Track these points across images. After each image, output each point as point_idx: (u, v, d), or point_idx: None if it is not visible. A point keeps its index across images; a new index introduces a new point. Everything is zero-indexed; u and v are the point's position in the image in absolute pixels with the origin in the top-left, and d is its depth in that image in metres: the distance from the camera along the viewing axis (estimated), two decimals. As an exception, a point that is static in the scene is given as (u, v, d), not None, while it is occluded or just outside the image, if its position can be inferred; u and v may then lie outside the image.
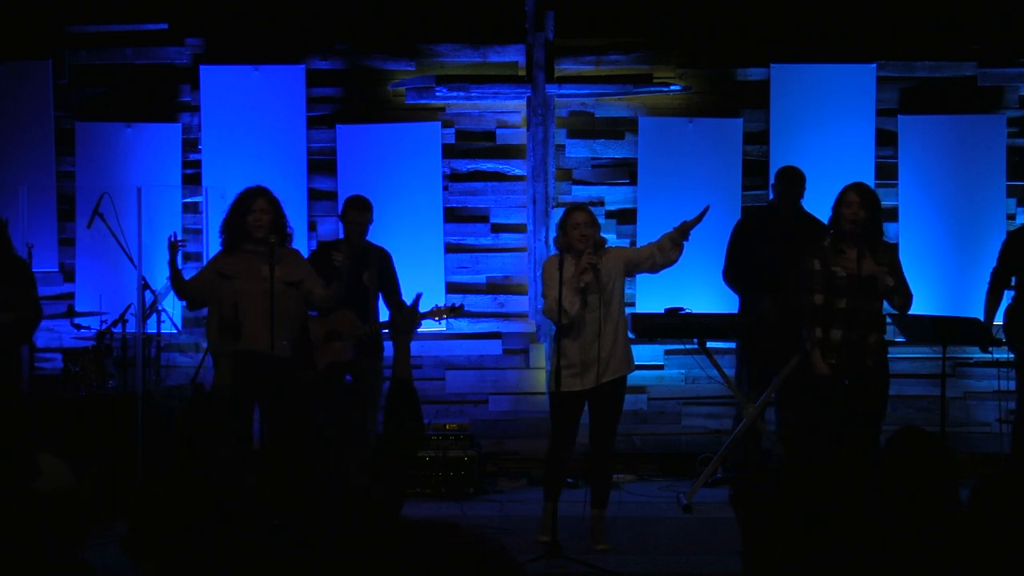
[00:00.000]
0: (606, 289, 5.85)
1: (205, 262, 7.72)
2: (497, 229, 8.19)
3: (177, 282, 6.23)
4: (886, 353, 6.08)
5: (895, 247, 6.03)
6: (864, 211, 5.91)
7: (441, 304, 6.90)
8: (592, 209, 6.18)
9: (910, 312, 7.62)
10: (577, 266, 5.79)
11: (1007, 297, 7.03)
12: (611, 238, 8.01)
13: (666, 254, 6.00)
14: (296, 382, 6.12)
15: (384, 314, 7.20)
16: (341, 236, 7.29)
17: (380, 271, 7.02)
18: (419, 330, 7.51)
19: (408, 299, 6.95)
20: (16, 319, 6.27)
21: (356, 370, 6.93)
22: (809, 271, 6.04)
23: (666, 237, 6.03)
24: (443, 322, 6.97)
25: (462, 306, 6.99)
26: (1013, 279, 7.01)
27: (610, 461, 6.02)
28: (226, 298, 5.98)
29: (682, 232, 5.98)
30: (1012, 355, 7.00)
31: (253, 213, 6.03)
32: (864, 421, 6.00)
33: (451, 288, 8.02)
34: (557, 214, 7.95)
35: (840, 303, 5.95)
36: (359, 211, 6.96)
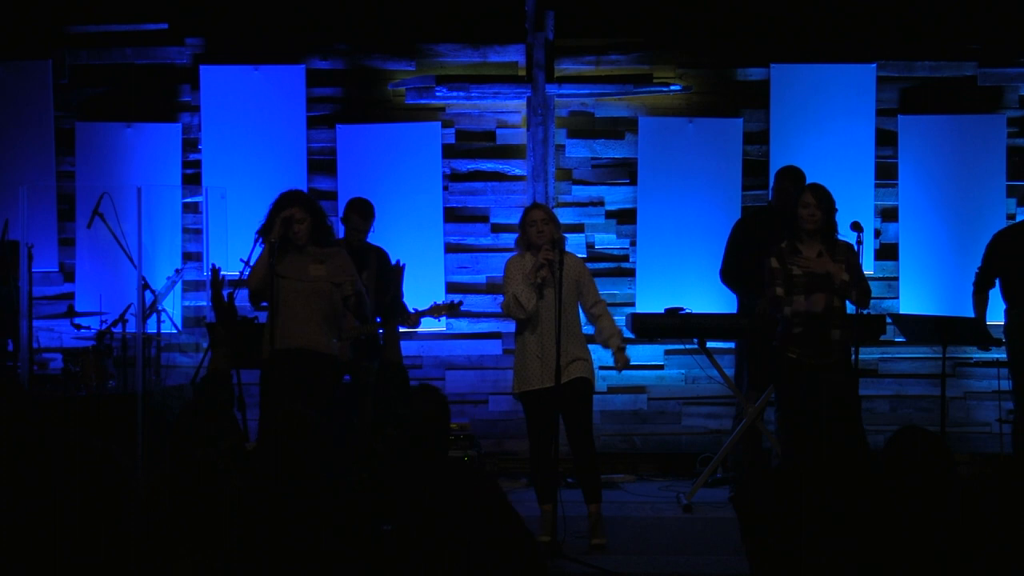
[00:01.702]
0: (563, 288, 5.86)
1: (207, 262, 7.74)
2: (497, 229, 8.19)
3: (224, 311, 6.08)
4: (849, 351, 6.11)
5: (851, 246, 6.06)
6: (820, 212, 6.02)
7: (440, 301, 6.89)
8: (550, 208, 6.27)
9: (910, 312, 7.66)
10: (534, 263, 5.88)
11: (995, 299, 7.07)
12: (611, 238, 8.03)
13: (596, 324, 6.09)
14: (337, 381, 6.08)
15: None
16: (339, 236, 7.29)
17: (379, 271, 7.03)
18: (419, 330, 7.52)
19: (409, 301, 6.98)
20: None
21: (355, 370, 6.93)
22: (769, 269, 6.13)
23: (613, 334, 6.08)
24: (442, 320, 6.97)
25: (460, 303, 6.99)
26: (997, 280, 7.03)
27: (591, 458, 5.95)
28: (273, 295, 5.90)
29: (618, 357, 6.06)
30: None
31: (290, 224, 5.85)
32: (837, 413, 6.02)
33: (451, 288, 8.03)
34: (557, 214, 7.97)
35: (801, 300, 6.02)
36: (363, 218, 6.97)
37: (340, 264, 6.00)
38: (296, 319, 5.80)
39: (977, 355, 7.89)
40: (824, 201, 6.04)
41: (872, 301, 7.85)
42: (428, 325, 7.35)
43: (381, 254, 7.09)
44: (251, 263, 6.02)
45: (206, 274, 7.55)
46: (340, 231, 7.26)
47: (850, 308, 6.16)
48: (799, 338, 6.03)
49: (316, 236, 5.94)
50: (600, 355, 6.95)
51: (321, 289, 5.84)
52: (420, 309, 6.88)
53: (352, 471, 5.50)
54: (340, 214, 7.14)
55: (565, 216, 7.88)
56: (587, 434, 5.95)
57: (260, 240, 6.02)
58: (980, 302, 7.07)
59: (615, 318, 7.80)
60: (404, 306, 7.02)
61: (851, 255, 6.09)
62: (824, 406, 5.73)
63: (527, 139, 8.05)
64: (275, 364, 5.82)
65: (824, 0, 8.10)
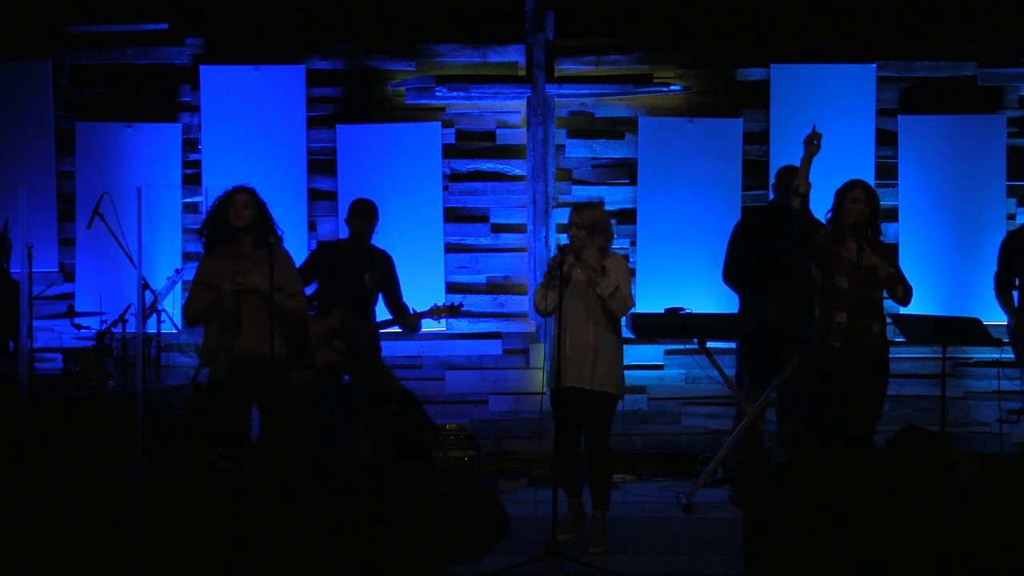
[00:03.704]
0: (582, 293, 5.84)
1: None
2: (497, 229, 8.19)
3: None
4: (888, 348, 6.08)
5: (893, 247, 6.04)
6: (869, 208, 5.95)
7: (440, 303, 6.92)
8: (591, 213, 6.06)
9: (910, 312, 7.66)
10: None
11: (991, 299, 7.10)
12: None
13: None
14: (289, 382, 6.03)
15: (382, 315, 7.22)
16: (343, 236, 7.33)
17: (383, 274, 7.04)
18: (419, 330, 7.54)
19: (409, 302, 7.01)
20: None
21: (354, 370, 6.94)
22: (825, 248, 5.97)
23: (608, 284, 5.84)
24: (442, 321, 6.99)
25: (461, 305, 7.01)
26: (1016, 280, 7.05)
27: (602, 465, 5.96)
28: (227, 300, 5.86)
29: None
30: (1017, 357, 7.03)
31: (235, 206, 5.85)
32: (862, 414, 6.01)
33: (451, 288, 8.02)
34: (557, 214, 7.98)
35: (842, 283, 5.94)
36: (364, 221, 6.99)
37: (282, 268, 5.89)
38: (239, 328, 5.73)
39: (977, 355, 7.90)
40: (873, 198, 5.97)
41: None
42: (428, 325, 7.36)
43: (386, 258, 7.11)
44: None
45: None
46: (344, 231, 7.27)
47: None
48: (842, 326, 5.93)
49: (257, 233, 5.87)
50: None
51: (259, 295, 5.75)
52: (419, 311, 6.91)
53: (349, 472, 5.50)
54: (341, 215, 7.14)
55: (565, 216, 7.86)
56: (603, 442, 5.95)
57: (201, 236, 5.96)
58: (1006, 302, 7.09)
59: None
60: (406, 307, 7.05)
61: (891, 252, 6.03)
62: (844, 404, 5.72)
63: (527, 139, 8.05)
64: (225, 377, 5.78)
65: (824, 0, 8.10)
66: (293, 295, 5.92)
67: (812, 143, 5.99)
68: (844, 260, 5.93)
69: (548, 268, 5.89)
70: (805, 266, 6.22)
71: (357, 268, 6.88)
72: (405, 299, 7.14)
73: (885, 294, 6.12)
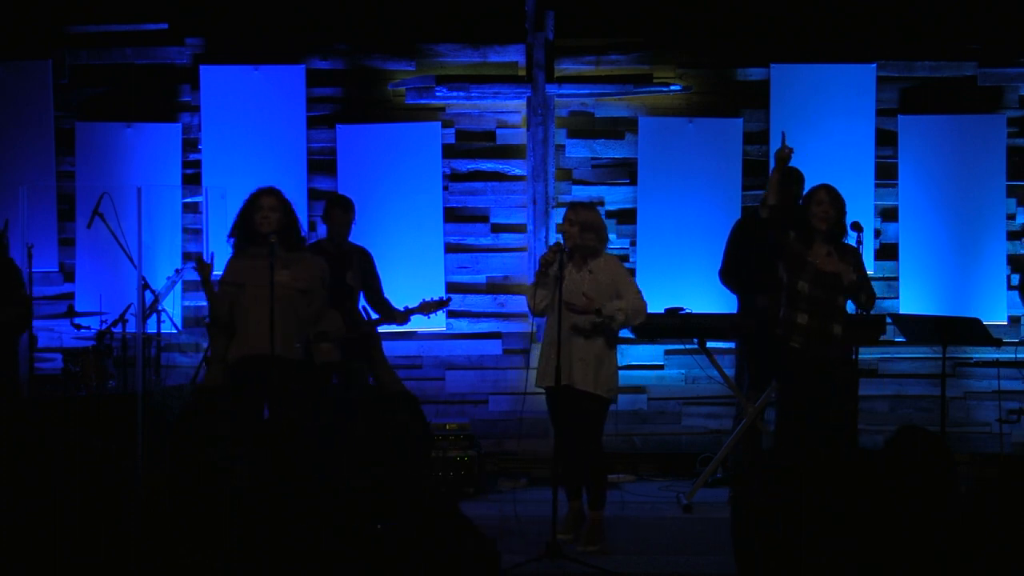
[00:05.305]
0: (573, 294, 5.86)
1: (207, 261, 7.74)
2: (497, 229, 8.19)
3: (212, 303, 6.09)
4: (851, 350, 6.12)
5: (858, 251, 6.08)
6: (833, 210, 6.07)
7: (428, 298, 6.89)
8: (586, 212, 6.10)
9: (910, 312, 7.67)
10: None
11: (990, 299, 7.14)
12: (611, 238, 7.99)
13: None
14: (304, 384, 6.04)
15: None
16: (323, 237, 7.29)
17: (363, 271, 7.03)
18: (419, 330, 7.53)
19: (409, 302, 7.01)
20: (8, 315, 6.35)
21: (344, 370, 6.92)
22: (792, 252, 6.10)
23: (617, 308, 5.91)
24: (434, 316, 6.97)
25: (449, 299, 6.99)
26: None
27: (594, 465, 5.96)
28: (236, 304, 5.88)
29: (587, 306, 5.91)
30: None
31: (261, 210, 5.90)
32: (833, 414, 6.06)
33: (451, 288, 8.02)
34: (557, 214, 7.98)
35: (804, 288, 6.05)
36: (344, 211, 6.98)
37: (307, 269, 5.93)
38: (259, 326, 5.72)
39: (977, 355, 7.90)
40: (837, 201, 6.10)
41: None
42: (428, 325, 7.34)
43: (364, 255, 7.10)
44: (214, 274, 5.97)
45: (208, 258, 7.48)
46: (323, 231, 7.25)
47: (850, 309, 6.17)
48: (803, 328, 6.02)
49: (285, 236, 5.89)
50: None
51: (285, 295, 5.78)
52: (410, 307, 6.89)
53: (348, 472, 5.50)
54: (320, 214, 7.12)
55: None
56: (591, 443, 5.94)
57: (230, 239, 6.00)
58: None
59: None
60: (389, 303, 7.02)
61: (857, 258, 6.11)
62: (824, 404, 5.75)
63: (527, 139, 8.05)
64: (238, 372, 5.78)
65: (824, 0, 8.10)
66: (315, 298, 5.99)
67: (783, 156, 6.18)
68: (809, 264, 6.05)
69: (540, 266, 5.89)
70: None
71: (338, 268, 6.87)
72: (406, 299, 7.14)
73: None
